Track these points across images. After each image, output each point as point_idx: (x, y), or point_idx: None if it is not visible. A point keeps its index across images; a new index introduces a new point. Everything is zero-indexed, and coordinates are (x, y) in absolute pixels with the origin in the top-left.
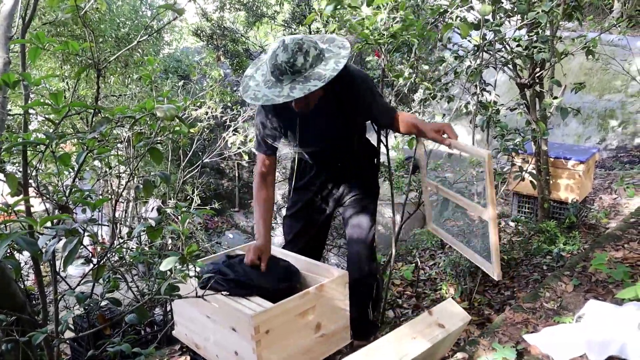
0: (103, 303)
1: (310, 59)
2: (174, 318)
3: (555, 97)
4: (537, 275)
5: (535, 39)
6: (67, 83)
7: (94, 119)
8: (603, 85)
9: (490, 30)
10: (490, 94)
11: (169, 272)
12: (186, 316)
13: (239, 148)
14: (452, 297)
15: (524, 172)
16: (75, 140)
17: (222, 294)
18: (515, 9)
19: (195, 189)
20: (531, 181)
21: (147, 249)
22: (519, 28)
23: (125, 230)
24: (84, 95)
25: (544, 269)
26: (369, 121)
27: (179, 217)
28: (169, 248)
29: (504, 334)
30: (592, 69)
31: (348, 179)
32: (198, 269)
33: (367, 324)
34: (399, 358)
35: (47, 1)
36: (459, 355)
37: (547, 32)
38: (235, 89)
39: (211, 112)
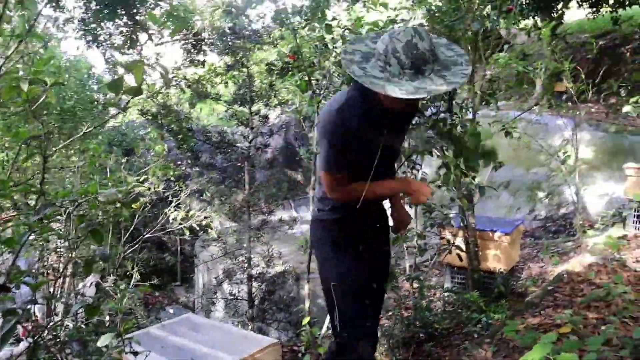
0: None
1: (433, 45)
2: None
3: (474, 177)
4: (467, 344)
5: (455, 123)
6: (6, 154)
7: (38, 202)
8: (530, 160)
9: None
10: (418, 172)
11: (105, 349)
12: None
13: (180, 224)
14: None
15: (451, 245)
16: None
17: None
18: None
19: (135, 265)
20: (457, 254)
21: (83, 326)
22: (442, 112)
23: (60, 307)
24: (23, 167)
25: (474, 337)
26: None
27: (118, 294)
28: (107, 325)
29: None
30: (519, 145)
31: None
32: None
33: None
34: None
35: (2, 95)
36: None
37: (470, 115)
38: (179, 164)
39: (154, 188)
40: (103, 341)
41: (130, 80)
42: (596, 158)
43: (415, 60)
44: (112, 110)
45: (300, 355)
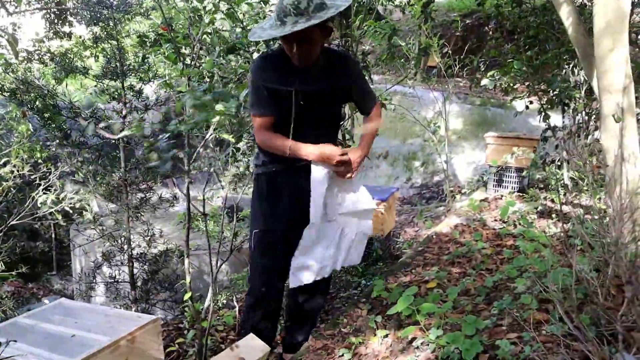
0: None
1: (313, 4)
2: None
3: (349, 146)
4: (346, 306)
5: None
6: None
7: None
8: (405, 131)
9: None
10: None
11: None
12: None
13: (51, 207)
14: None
15: None
16: None
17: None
18: None
19: None
20: None
21: None
22: None
23: None
24: None
25: (355, 299)
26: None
27: None
28: None
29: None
30: (395, 117)
31: None
32: None
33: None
34: None
35: None
36: None
37: None
38: (48, 144)
39: (17, 171)
40: None
41: None
42: (464, 129)
43: (279, 13)
44: None
45: (185, 331)
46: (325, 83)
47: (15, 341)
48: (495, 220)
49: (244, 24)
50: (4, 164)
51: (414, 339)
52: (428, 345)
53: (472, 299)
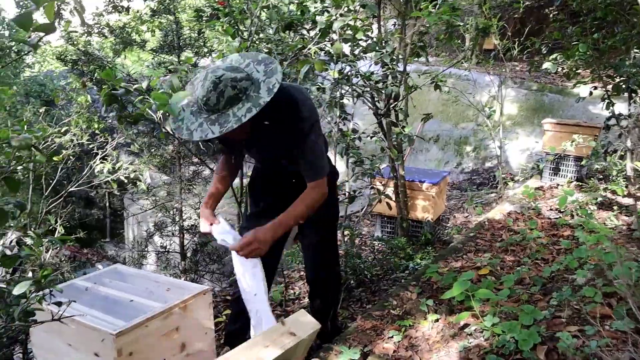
0: None
1: (224, 99)
2: (34, 351)
3: (403, 127)
4: (395, 288)
5: (387, 74)
6: None
7: None
8: (458, 115)
9: (346, 65)
10: (350, 122)
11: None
12: (46, 347)
13: (107, 177)
14: None
15: (381, 195)
16: None
17: (81, 316)
18: (369, 47)
19: (58, 219)
20: (387, 202)
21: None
22: (375, 63)
23: None
24: None
25: (402, 282)
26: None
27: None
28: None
29: (354, 340)
30: (448, 101)
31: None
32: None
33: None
34: None
35: None
36: None
37: (400, 67)
38: (104, 116)
39: (76, 140)
40: (19, 289)
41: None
42: (519, 114)
43: (195, 101)
44: (28, 59)
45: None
46: (268, 141)
47: (74, 301)
48: (551, 209)
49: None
50: (65, 133)
51: (466, 325)
52: (482, 332)
53: (527, 288)
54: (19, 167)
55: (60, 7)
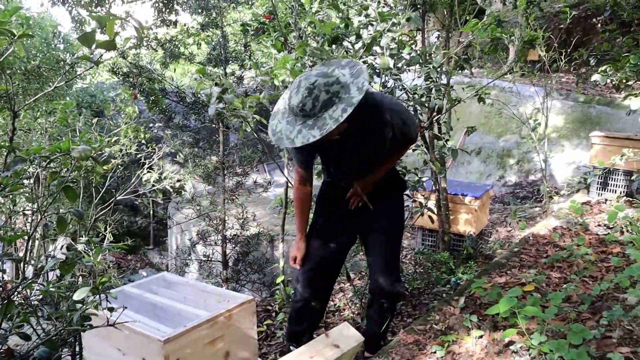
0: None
1: (320, 104)
2: (84, 354)
3: (447, 140)
4: (436, 303)
5: (431, 87)
6: None
7: (8, 158)
8: (500, 127)
9: (391, 78)
10: None
11: (79, 305)
12: (97, 351)
13: (153, 185)
14: (359, 326)
15: (423, 208)
16: None
17: (132, 322)
18: (412, 61)
19: (107, 226)
20: (429, 216)
21: (54, 288)
22: (419, 76)
23: (30, 269)
24: None
25: (443, 297)
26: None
27: (92, 253)
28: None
29: (397, 354)
30: (490, 113)
31: (376, 206)
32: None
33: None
34: None
35: None
36: None
37: (444, 80)
38: (150, 126)
39: (125, 150)
40: (79, 295)
41: (101, 36)
42: (564, 127)
43: (291, 109)
44: (80, 70)
45: (274, 314)
46: (356, 144)
47: (126, 307)
48: (599, 225)
49: (344, 14)
50: (114, 143)
51: (511, 342)
52: (528, 350)
53: (574, 306)
54: (75, 176)
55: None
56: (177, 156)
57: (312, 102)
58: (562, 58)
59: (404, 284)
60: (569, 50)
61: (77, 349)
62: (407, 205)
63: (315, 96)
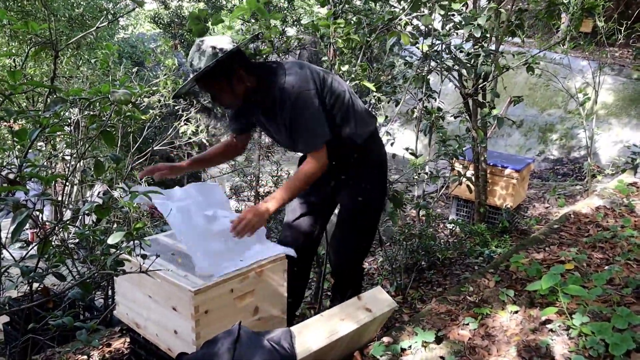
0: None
1: (205, 58)
2: (116, 298)
3: (493, 108)
4: (468, 274)
5: (479, 52)
6: (14, 60)
7: (48, 99)
8: (545, 101)
9: (437, 40)
10: (435, 100)
11: (113, 250)
12: (128, 297)
13: (189, 138)
14: (388, 292)
15: (462, 177)
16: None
17: (165, 270)
18: (463, 21)
19: None
20: (468, 186)
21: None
22: (467, 40)
23: (68, 213)
24: (31, 74)
25: (475, 269)
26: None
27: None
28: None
29: (428, 322)
30: (536, 85)
31: (345, 179)
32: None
33: None
34: (328, 335)
35: None
36: (385, 339)
37: (492, 46)
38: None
39: (164, 101)
40: (114, 239)
41: None
42: (614, 104)
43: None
44: (122, 21)
45: None
46: (274, 125)
47: (159, 256)
48: None
49: None
50: (153, 93)
51: (548, 320)
52: (567, 330)
53: (617, 289)
54: (115, 122)
55: None
56: (214, 110)
57: (199, 57)
58: (622, 31)
59: (437, 253)
60: (628, 23)
61: (110, 292)
62: (444, 172)
63: (202, 51)
